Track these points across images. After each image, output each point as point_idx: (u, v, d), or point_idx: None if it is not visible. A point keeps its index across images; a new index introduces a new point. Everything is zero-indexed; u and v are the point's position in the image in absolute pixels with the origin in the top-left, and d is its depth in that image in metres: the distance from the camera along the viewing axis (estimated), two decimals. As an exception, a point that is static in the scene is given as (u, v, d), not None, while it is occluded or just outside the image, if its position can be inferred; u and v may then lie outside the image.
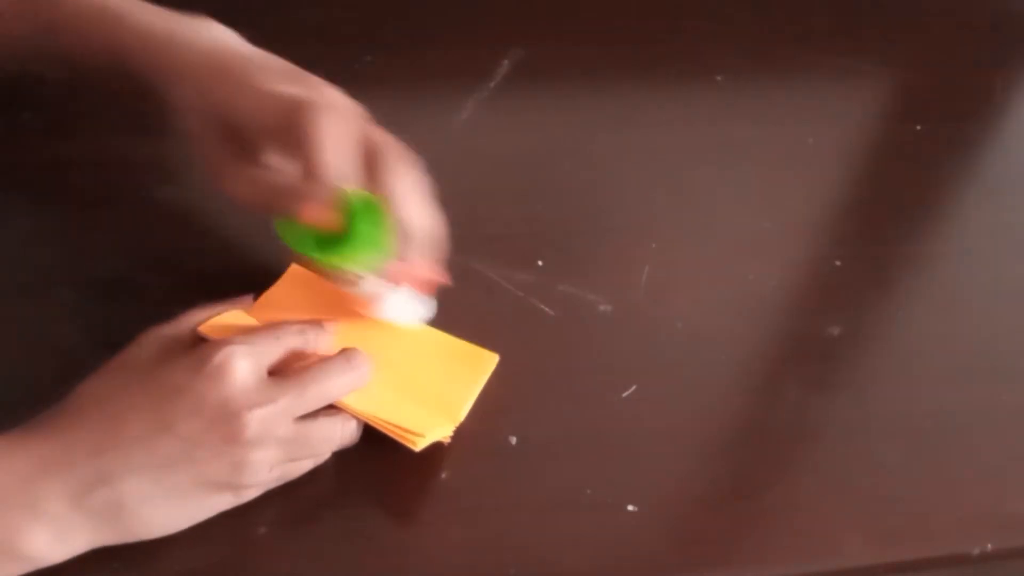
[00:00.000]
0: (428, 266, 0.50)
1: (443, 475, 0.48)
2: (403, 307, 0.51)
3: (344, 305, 0.52)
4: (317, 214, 0.47)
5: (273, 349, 0.45)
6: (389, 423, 0.46)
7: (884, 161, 0.70)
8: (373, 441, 0.48)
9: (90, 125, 0.62)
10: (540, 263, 0.59)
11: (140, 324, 0.53)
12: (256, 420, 0.42)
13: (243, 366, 0.42)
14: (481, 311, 0.53)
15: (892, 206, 0.66)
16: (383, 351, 0.49)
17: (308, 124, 0.48)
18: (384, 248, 0.48)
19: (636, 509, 0.48)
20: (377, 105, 0.59)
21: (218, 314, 0.48)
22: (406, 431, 0.46)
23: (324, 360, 0.46)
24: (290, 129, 0.48)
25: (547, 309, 0.56)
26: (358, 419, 0.47)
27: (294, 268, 0.53)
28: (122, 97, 0.60)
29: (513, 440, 0.50)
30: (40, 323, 0.53)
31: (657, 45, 0.76)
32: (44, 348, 0.52)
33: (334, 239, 0.47)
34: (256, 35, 0.71)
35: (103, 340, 0.52)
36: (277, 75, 0.51)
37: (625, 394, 0.53)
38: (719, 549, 0.48)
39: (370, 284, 0.49)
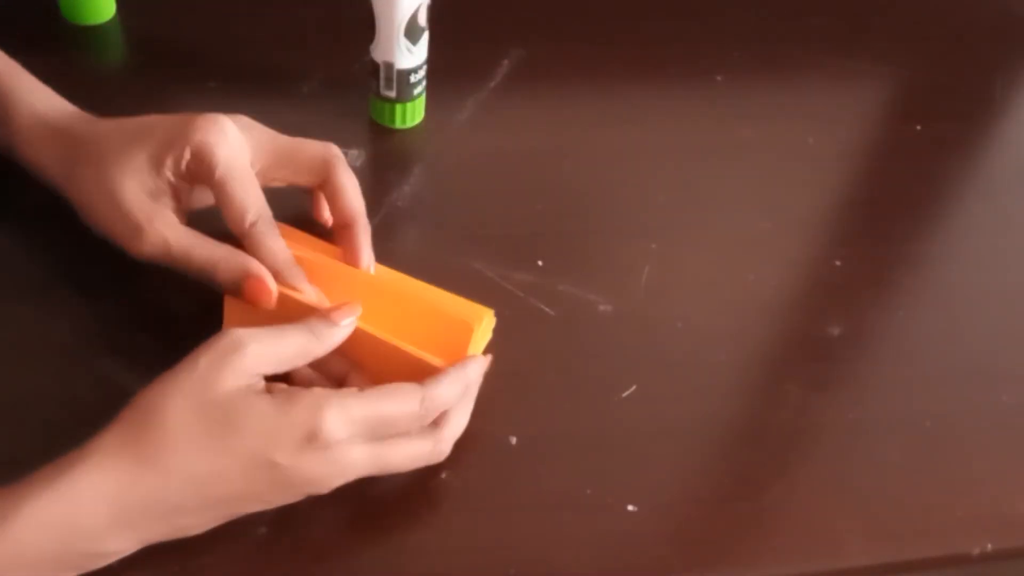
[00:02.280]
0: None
1: (443, 475, 0.48)
2: None
3: (330, 253, 0.53)
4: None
5: (365, 425, 0.43)
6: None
7: (884, 161, 0.70)
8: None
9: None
10: (540, 263, 0.59)
11: (140, 324, 0.53)
12: (337, 484, 0.44)
13: (310, 472, 0.42)
14: (481, 311, 0.53)
15: (892, 206, 0.66)
16: (378, 302, 0.49)
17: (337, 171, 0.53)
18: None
19: (636, 509, 0.48)
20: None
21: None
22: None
23: (410, 436, 0.45)
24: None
25: (547, 309, 0.56)
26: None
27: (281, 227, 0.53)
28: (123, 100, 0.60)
29: (513, 440, 0.50)
30: (40, 323, 0.53)
31: (657, 45, 0.76)
32: (44, 348, 0.52)
33: None
34: (257, 34, 0.72)
35: (103, 340, 0.52)
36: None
37: (625, 394, 0.53)
38: (719, 549, 0.48)
39: None
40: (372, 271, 0.53)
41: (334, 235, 0.53)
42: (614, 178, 0.65)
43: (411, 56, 0.61)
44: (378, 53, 0.61)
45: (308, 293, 0.49)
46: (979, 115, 0.74)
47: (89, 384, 0.50)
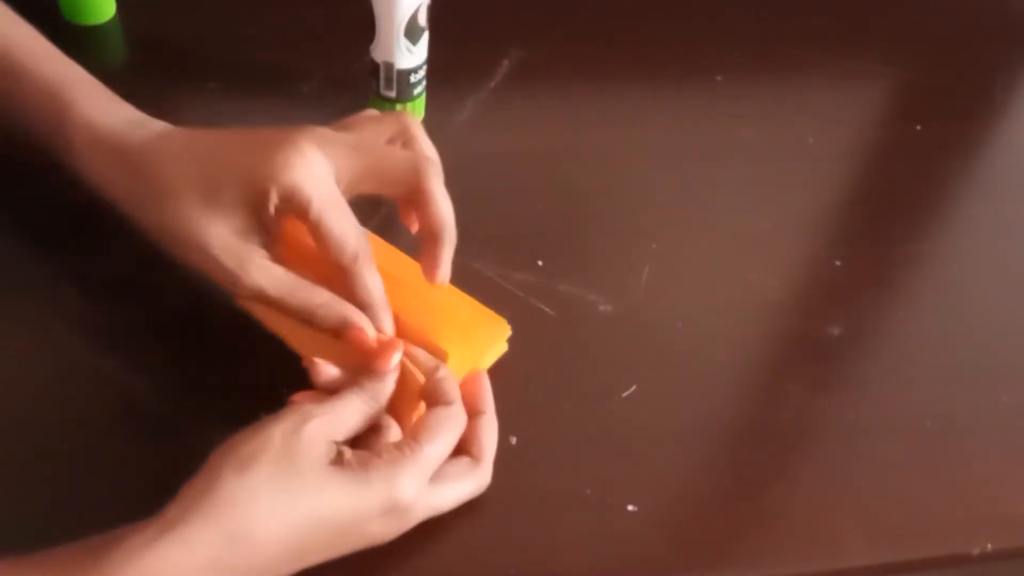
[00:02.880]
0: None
1: (443, 475, 0.48)
2: None
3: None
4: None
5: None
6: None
7: (884, 161, 0.70)
8: (373, 441, 0.47)
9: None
10: (540, 263, 0.59)
11: (140, 324, 0.53)
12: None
13: (385, 532, 0.44)
14: (481, 311, 0.53)
15: (892, 206, 0.66)
16: (401, 307, 0.50)
17: (426, 180, 0.49)
18: None
19: (636, 509, 0.48)
20: (377, 105, 0.59)
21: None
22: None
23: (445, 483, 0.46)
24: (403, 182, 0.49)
25: (547, 309, 0.56)
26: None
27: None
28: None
29: (513, 440, 0.50)
30: (40, 323, 0.53)
31: (657, 45, 0.76)
32: (44, 348, 0.52)
33: None
34: (256, 35, 0.72)
35: (103, 340, 0.52)
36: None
37: (625, 394, 0.53)
38: (719, 549, 0.48)
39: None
40: (446, 284, 0.51)
41: (418, 242, 0.51)
42: (614, 178, 0.65)
43: (411, 56, 0.61)
44: (378, 53, 0.61)
45: (388, 331, 0.49)
46: (979, 115, 0.74)
47: (90, 383, 0.50)
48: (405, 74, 0.62)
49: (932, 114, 0.73)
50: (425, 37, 0.61)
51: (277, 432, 0.42)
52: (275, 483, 0.40)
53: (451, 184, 0.63)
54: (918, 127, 0.72)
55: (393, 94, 0.63)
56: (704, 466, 0.51)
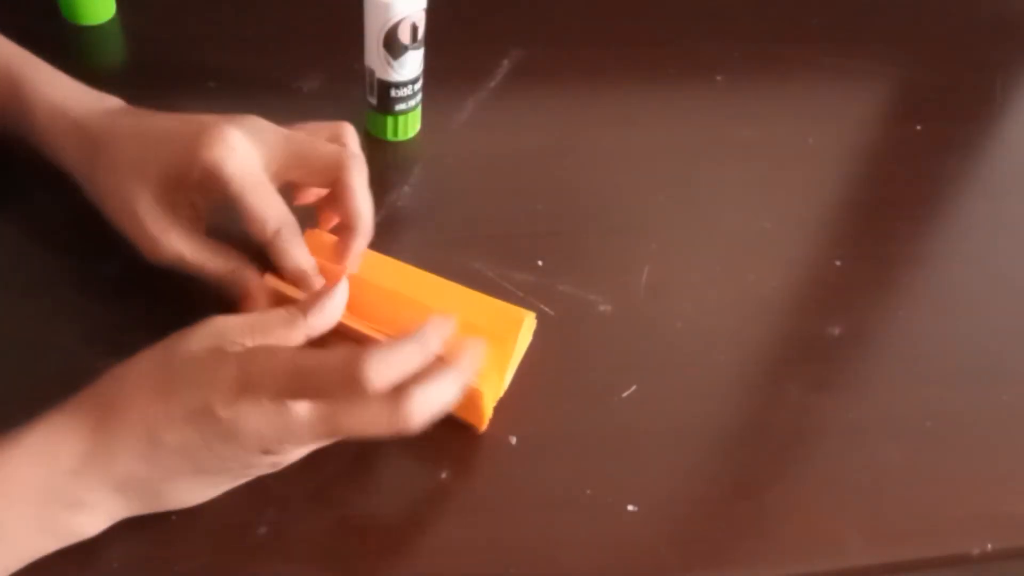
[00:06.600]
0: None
1: (443, 475, 0.48)
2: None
3: (371, 265, 0.53)
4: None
5: (293, 377, 0.41)
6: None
7: (884, 161, 0.70)
8: (372, 441, 0.48)
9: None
10: (540, 263, 0.59)
11: (140, 324, 0.53)
12: (271, 462, 0.43)
13: (254, 425, 0.41)
14: (481, 311, 0.53)
15: (892, 206, 0.66)
16: (400, 317, 0.49)
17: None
18: None
19: (636, 509, 0.48)
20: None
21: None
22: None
23: (350, 400, 0.41)
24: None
25: (547, 309, 0.56)
26: None
27: (309, 233, 0.53)
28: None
29: (513, 440, 0.50)
30: (40, 323, 0.53)
31: (657, 45, 0.76)
32: (44, 348, 0.52)
33: None
34: (257, 36, 0.72)
35: (103, 340, 0.52)
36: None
37: (625, 394, 0.53)
38: (719, 549, 0.48)
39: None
40: (347, 271, 0.52)
41: (337, 233, 0.53)
42: (614, 178, 0.65)
43: (392, 70, 0.60)
44: (365, 57, 0.61)
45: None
46: (979, 115, 0.74)
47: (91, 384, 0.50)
48: (385, 86, 0.62)
49: (932, 114, 0.73)
50: (412, 57, 0.60)
51: (175, 334, 0.44)
52: (148, 369, 0.43)
53: (451, 184, 0.64)
54: (918, 127, 0.72)
55: (375, 102, 0.63)
56: (704, 466, 0.51)
